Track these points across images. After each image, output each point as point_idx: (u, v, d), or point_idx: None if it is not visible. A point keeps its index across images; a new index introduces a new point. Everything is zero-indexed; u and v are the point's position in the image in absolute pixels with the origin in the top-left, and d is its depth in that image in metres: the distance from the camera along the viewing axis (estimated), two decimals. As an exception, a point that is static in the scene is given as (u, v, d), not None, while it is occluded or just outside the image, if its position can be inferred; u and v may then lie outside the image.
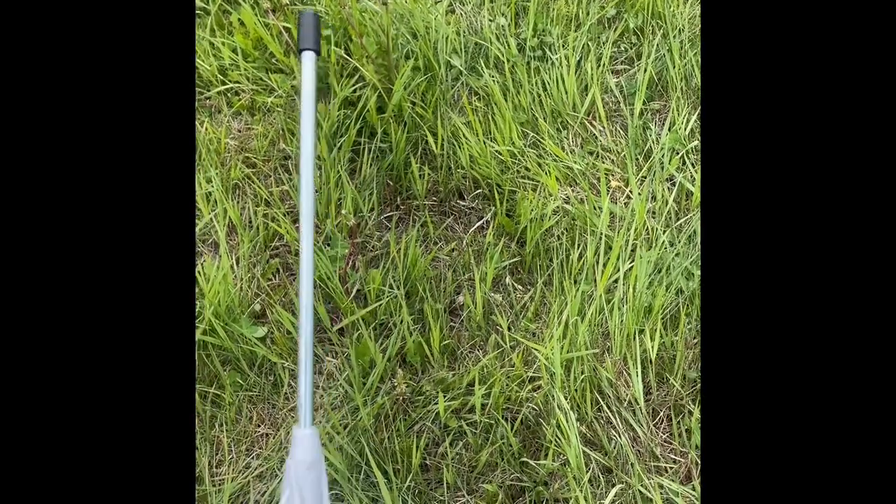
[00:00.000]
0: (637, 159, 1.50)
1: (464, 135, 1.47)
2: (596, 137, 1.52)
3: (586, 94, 1.55)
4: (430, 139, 1.48)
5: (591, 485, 1.18)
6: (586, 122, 1.53)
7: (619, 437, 1.21)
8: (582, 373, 1.24)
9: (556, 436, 1.19)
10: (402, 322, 1.29)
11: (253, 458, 1.23)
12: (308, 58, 1.16)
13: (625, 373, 1.26)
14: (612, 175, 1.48)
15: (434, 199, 1.47)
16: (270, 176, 1.49)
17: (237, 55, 1.60)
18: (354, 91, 1.53)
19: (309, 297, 0.83)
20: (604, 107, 1.55)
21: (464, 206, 1.47)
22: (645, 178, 1.47)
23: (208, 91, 1.59)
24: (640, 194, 1.42)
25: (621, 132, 1.54)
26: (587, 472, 1.17)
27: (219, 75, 1.59)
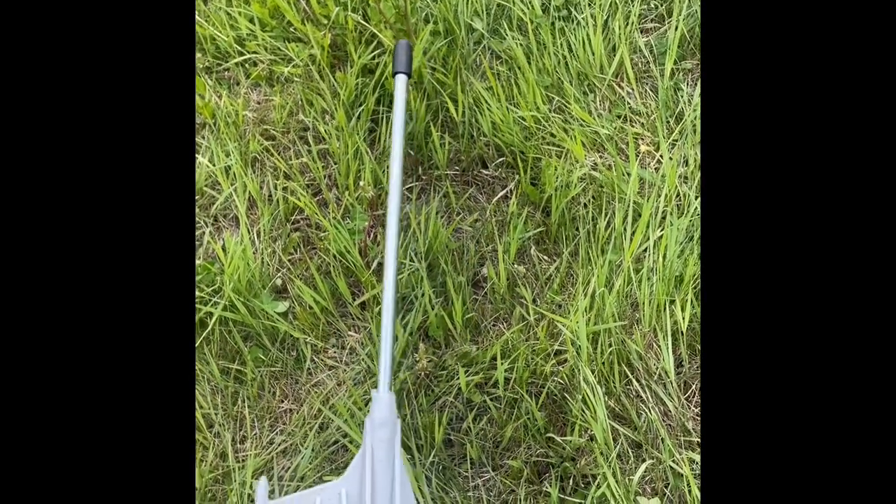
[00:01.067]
0: (668, 122, 1.43)
1: (486, 101, 1.42)
2: (624, 100, 1.46)
3: (614, 55, 1.49)
4: (451, 106, 1.43)
5: (620, 460, 1.14)
6: (614, 84, 1.47)
7: (649, 411, 1.17)
8: (610, 346, 1.20)
9: (583, 410, 1.16)
10: (423, 295, 1.26)
11: (276, 433, 1.22)
12: (401, 80, 1.29)
13: (655, 345, 1.22)
14: (642, 139, 1.42)
15: (456, 168, 1.43)
16: (290, 148, 1.46)
17: (254, 24, 1.57)
18: (373, 58, 1.49)
19: (392, 270, 1.09)
20: (632, 68, 1.48)
21: (487, 175, 1.42)
22: (676, 141, 1.41)
23: (226, 62, 1.56)
24: (670, 159, 1.36)
25: (651, 94, 1.47)
26: (615, 447, 1.14)
27: (236, 46, 1.56)
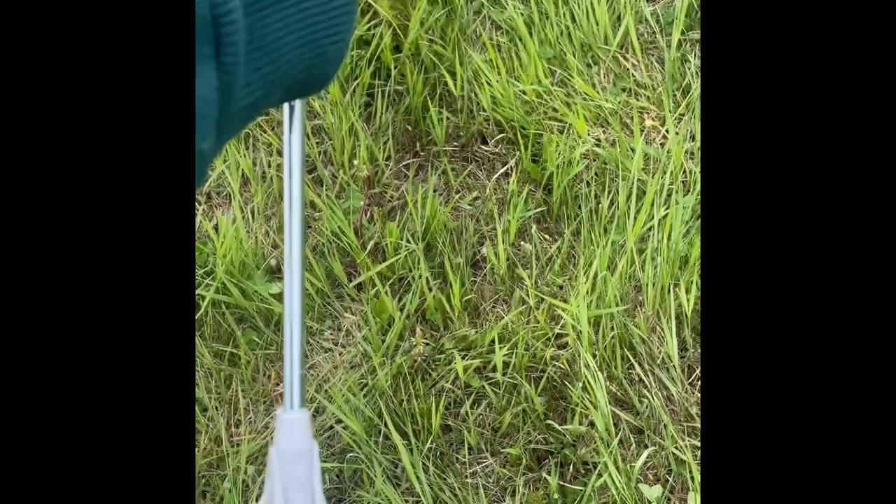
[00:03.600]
0: (674, 95, 1.38)
1: (485, 74, 1.37)
2: (629, 72, 1.41)
3: (619, 25, 1.43)
4: (450, 80, 1.38)
5: (622, 447, 1.12)
6: (619, 55, 1.42)
7: (652, 397, 1.14)
8: (612, 329, 1.16)
9: (583, 397, 1.13)
10: (420, 277, 1.23)
11: (272, 417, 1.20)
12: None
13: (658, 329, 1.18)
14: (647, 113, 1.37)
15: (455, 144, 1.39)
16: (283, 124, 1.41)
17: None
18: (368, 29, 1.43)
19: (298, 275, 0.64)
20: (638, 38, 1.42)
21: (486, 151, 1.38)
22: (683, 115, 1.36)
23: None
24: (677, 133, 1.31)
25: (657, 66, 1.42)
26: (617, 433, 1.11)
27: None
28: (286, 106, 0.49)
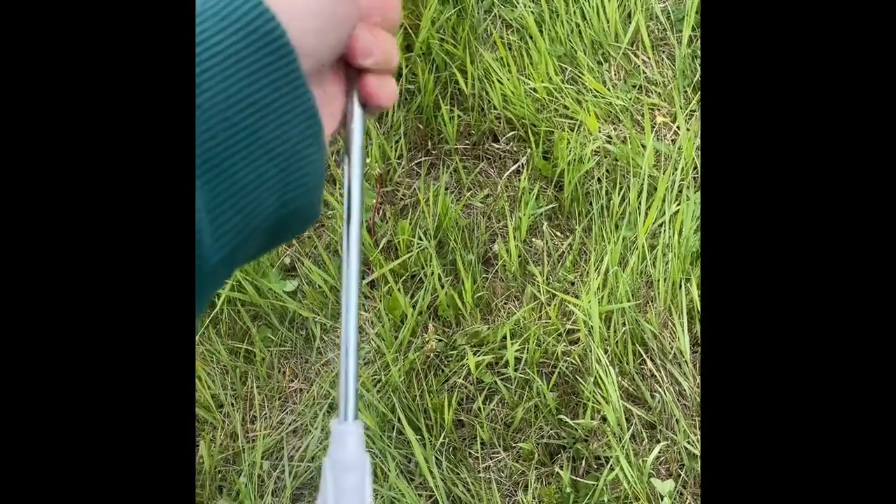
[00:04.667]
0: (685, 92, 1.38)
1: (496, 72, 1.38)
2: (640, 69, 1.41)
3: (629, 22, 1.43)
4: (461, 79, 1.39)
5: (634, 441, 1.12)
6: (629, 52, 1.42)
7: (664, 392, 1.14)
8: (623, 325, 1.17)
9: (595, 392, 1.14)
10: (432, 274, 1.24)
11: (287, 413, 1.21)
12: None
13: (670, 324, 1.19)
14: (658, 110, 1.37)
15: (466, 142, 1.39)
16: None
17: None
18: (380, 29, 1.44)
19: (355, 283, 0.64)
20: (649, 35, 1.43)
21: (498, 149, 1.39)
22: (694, 112, 1.36)
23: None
24: (688, 130, 1.31)
25: (668, 62, 1.42)
26: (629, 428, 1.12)
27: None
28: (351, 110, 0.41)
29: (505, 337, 1.19)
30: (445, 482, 1.12)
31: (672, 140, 1.34)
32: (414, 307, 1.23)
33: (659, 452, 1.11)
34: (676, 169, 1.27)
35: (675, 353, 1.17)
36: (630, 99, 1.37)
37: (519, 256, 1.26)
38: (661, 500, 1.08)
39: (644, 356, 1.17)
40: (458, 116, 1.39)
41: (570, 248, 1.27)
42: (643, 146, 1.31)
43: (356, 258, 0.56)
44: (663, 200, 1.25)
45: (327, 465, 0.70)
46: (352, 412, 0.66)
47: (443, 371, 1.20)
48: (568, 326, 1.19)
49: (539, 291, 1.23)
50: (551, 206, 1.31)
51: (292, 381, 1.24)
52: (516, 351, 1.17)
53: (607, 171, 1.32)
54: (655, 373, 1.16)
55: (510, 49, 1.42)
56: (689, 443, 1.11)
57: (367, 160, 1.32)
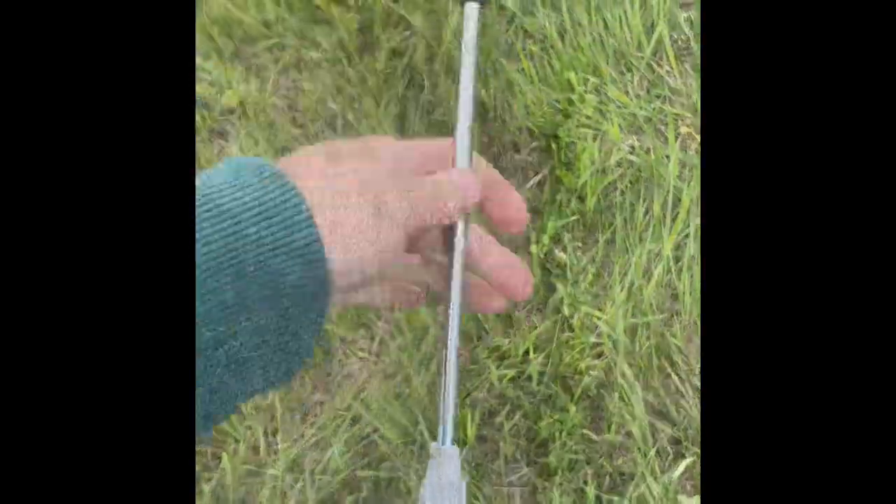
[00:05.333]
0: (710, 102, 1.37)
1: (518, 83, 1.37)
2: (663, 79, 1.40)
3: (653, 32, 1.42)
4: (482, 90, 1.38)
5: (659, 457, 1.11)
6: (653, 63, 1.41)
7: (690, 408, 1.13)
8: (648, 339, 1.15)
9: (620, 407, 1.12)
10: (455, 287, 1.23)
11: (308, 426, 1.21)
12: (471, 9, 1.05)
13: (695, 338, 1.17)
14: (682, 120, 1.36)
15: (488, 153, 1.39)
16: (318, 135, 1.43)
17: (280, 6, 1.54)
18: (402, 40, 1.45)
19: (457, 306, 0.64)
20: (672, 45, 1.42)
21: (520, 160, 1.38)
22: (718, 122, 1.34)
23: (253, 47, 1.54)
24: (712, 141, 1.30)
25: (692, 73, 1.41)
26: (654, 443, 1.10)
27: (264, 29, 1.54)
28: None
29: (528, 351, 1.18)
30: (468, 497, 1.12)
31: (696, 150, 1.33)
32: (435, 320, 1.22)
33: (685, 468, 1.10)
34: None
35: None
36: (653, 109, 1.36)
37: (541, 269, 1.25)
38: (688, 517, 1.06)
39: (669, 370, 1.15)
40: (480, 127, 1.38)
41: (594, 260, 1.26)
42: (667, 157, 1.29)
43: (457, 297, 0.57)
44: (688, 212, 1.23)
45: (426, 488, 0.72)
46: (450, 436, 0.66)
47: (465, 385, 1.19)
48: (592, 340, 1.18)
49: (562, 304, 1.22)
50: (574, 217, 1.30)
51: (313, 393, 1.24)
52: (539, 364, 1.16)
53: (631, 182, 1.31)
54: (681, 387, 1.15)
55: (532, 59, 1.42)
56: (715, 459, 1.09)
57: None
